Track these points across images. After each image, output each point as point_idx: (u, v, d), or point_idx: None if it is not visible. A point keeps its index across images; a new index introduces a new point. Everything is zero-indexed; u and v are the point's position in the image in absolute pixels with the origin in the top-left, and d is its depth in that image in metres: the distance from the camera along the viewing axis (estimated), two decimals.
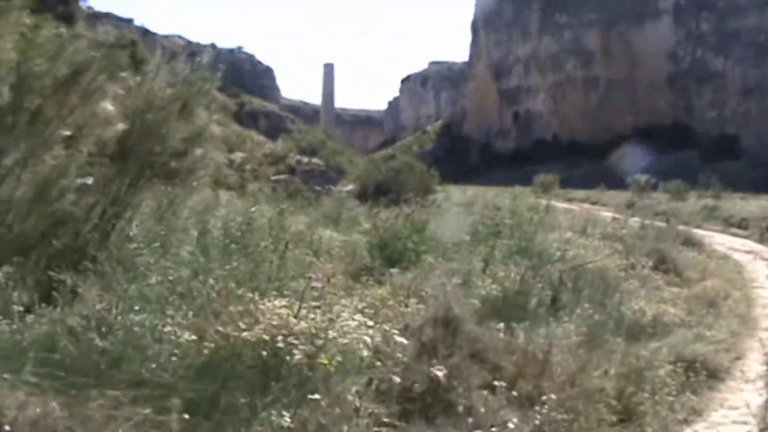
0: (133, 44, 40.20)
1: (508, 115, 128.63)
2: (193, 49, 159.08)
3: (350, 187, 29.23)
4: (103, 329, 5.30)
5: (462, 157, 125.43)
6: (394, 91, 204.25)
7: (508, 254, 10.71)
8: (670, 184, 50.96)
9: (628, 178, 53.99)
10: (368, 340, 5.47)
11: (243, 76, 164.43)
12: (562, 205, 46.31)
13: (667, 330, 8.97)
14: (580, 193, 59.35)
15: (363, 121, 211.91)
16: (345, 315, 6.43)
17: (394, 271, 9.51)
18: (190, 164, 9.78)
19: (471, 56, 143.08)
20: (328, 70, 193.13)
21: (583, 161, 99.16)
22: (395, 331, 5.93)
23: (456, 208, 27.20)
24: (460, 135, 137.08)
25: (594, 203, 50.19)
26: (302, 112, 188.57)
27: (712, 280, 12.92)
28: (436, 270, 9.50)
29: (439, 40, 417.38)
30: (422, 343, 5.90)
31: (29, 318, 5.27)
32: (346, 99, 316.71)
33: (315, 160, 32.24)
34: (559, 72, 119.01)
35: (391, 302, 8.15)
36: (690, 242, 19.89)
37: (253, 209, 12.49)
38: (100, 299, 5.69)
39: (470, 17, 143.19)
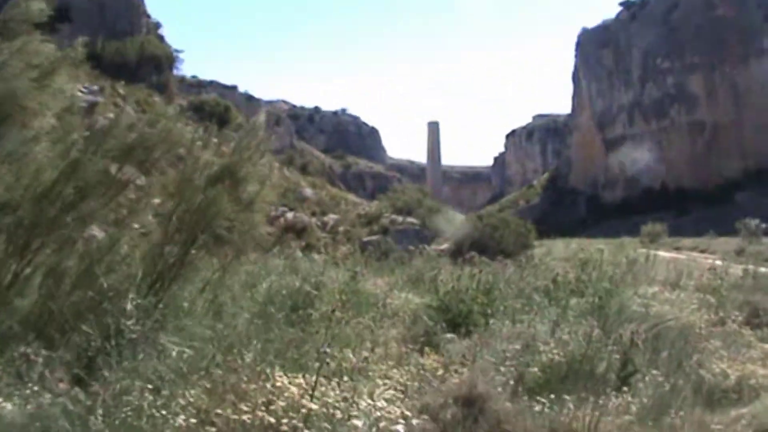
0: (227, 110, 40.98)
1: (613, 165, 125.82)
2: (296, 113, 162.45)
3: (445, 245, 28.66)
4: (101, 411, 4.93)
5: (569, 209, 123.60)
6: (499, 147, 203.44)
7: (582, 314, 10.01)
8: None
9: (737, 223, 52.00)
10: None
11: (348, 138, 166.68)
12: (667, 254, 44.89)
13: (754, 395, 8.11)
14: (688, 242, 57.54)
15: (470, 177, 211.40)
16: (378, 391, 5.91)
17: (450, 336, 9.02)
18: (242, 232, 9.43)
19: (573, 107, 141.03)
20: (433, 128, 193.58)
21: (692, 208, 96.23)
22: (412, 413, 5.32)
23: (554, 262, 26.42)
24: (566, 187, 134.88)
25: (702, 251, 48.50)
26: (409, 171, 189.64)
27: None
28: (500, 334, 8.91)
29: (543, 93, 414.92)
30: (443, 424, 5.28)
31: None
32: (453, 156, 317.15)
33: (410, 219, 31.84)
34: (663, 118, 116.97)
35: (441, 372, 7.62)
36: None
37: (322, 272, 12.12)
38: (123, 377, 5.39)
39: (571, 68, 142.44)
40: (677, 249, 53.72)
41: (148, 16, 43.57)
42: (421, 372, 7.36)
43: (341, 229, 29.18)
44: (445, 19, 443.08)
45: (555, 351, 7.96)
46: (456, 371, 7.52)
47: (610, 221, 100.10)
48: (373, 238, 27.68)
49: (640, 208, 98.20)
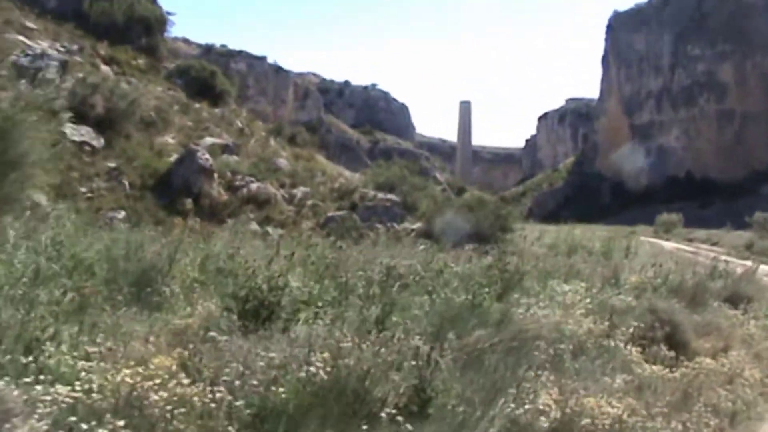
0: (213, 75, 38.91)
1: (639, 151, 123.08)
2: (327, 86, 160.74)
3: (417, 225, 26.71)
4: None
5: (593, 195, 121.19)
6: (532, 129, 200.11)
7: (418, 317, 7.83)
8: None
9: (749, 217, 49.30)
10: None
11: (377, 114, 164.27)
12: (671, 245, 42.59)
13: None
14: (702, 233, 55.46)
15: (502, 158, 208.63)
16: None
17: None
18: None
19: (602, 91, 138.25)
20: (465, 107, 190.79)
21: (716, 199, 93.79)
22: None
23: (537, 248, 24.27)
24: (592, 172, 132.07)
25: (714, 244, 46.28)
26: (439, 149, 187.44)
27: (736, 352, 9.57)
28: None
29: (578, 76, 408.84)
30: None
31: None
32: (485, 136, 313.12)
33: (390, 195, 29.77)
34: (692, 106, 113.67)
35: None
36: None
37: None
38: None
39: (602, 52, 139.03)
40: (689, 240, 51.43)
41: None
42: None
43: (309, 203, 26.93)
44: None
45: (321, 365, 5.78)
46: None
47: (633, 209, 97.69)
48: (339, 213, 25.45)
49: (664, 197, 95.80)
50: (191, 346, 6.23)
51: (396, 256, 11.85)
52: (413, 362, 6.35)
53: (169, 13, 41.10)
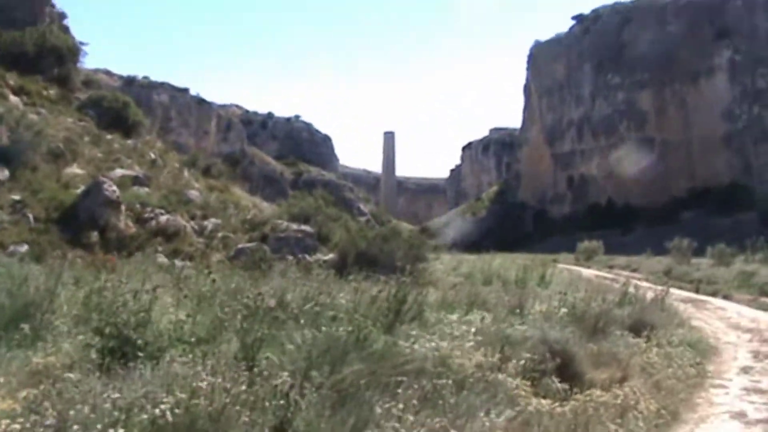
0: (125, 106, 38.07)
1: (562, 180, 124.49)
2: (250, 118, 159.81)
3: (330, 256, 26.27)
4: None
5: (516, 224, 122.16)
6: (456, 159, 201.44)
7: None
8: (715, 248, 46.91)
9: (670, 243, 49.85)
10: None
11: (301, 146, 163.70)
12: (592, 272, 42.82)
13: None
14: (622, 260, 56.25)
15: (426, 189, 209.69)
16: None
17: None
18: None
19: (524, 120, 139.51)
20: (389, 137, 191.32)
21: (637, 226, 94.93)
22: None
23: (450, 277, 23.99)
24: (515, 201, 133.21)
25: (634, 270, 46.66)
26: (364, 180, 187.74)
27: (634, 382, 9.19)
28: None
29: (501, 106, 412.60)
30: None
31: None
32: (410, 167, 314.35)
33: (304, 227, 29.30)
34: (612, 135, 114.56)
35: None
36: (676, 320, 16.23)
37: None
38: None
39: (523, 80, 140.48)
40: (610, 267, 51.90)
41: (53, 6, 41.04)
42: None
43: (219, 234, 26.35)
44: (401, 30, 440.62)
45: (169, 406, 5.27)
46: None
47: (555, 237, 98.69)
48: (249, 245, 24.91)
49: (587, 224, 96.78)
50: (41, 386, 5.76)
51: (289, 287, 11.35)
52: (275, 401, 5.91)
53: (82, 43, 40.34)
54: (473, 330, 9.37)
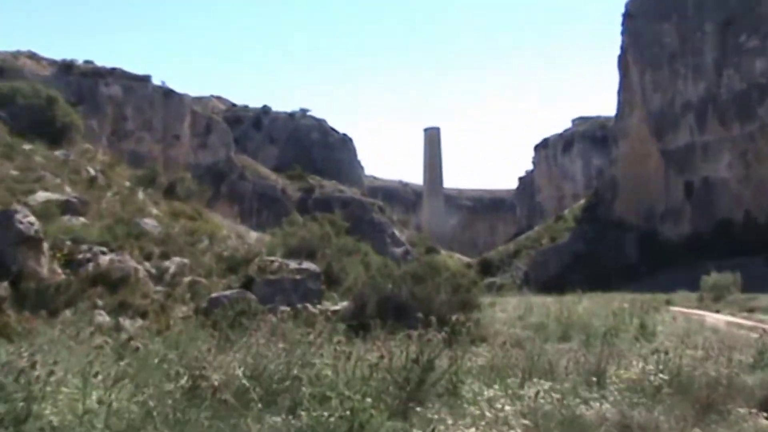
0: (51, 104, 38.24)
1: (677, 187, 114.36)
2: (237, 114, 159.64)
3: (342, 304, 26.30)
4: None
5: (613, 251, 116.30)
6: (526, 163, 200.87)
7: None
8: None
9: None
10: None
11: (310, 150, 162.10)
12: (722, 318, 41.78)
13: None
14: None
15: (487, 205, 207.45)
16: None
17: None
18: None
19: (620, 105, 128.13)
20: (433, 135, 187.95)
21: None
22: None
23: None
24: (611, 220, 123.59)
25: None
26: (400, 196, 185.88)
27: None
28: None
29: (586, 87, 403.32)
30: None
31: None
32: (463, 177, 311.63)
33: (307, 264, 29.43)
34: (750, 120, 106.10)
35: None
36: None
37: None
38: None
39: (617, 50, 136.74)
40: (750, 311, 50.13)
41: None
42: None
43: (186, 279, 26.40)
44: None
45: None
46: None
47: (669, 268, 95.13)
48: (227, 293, 24.92)
49: (715, 250, 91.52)
50: None
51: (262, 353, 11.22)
52: None
53: None
54: (521, 410, 9.15)
